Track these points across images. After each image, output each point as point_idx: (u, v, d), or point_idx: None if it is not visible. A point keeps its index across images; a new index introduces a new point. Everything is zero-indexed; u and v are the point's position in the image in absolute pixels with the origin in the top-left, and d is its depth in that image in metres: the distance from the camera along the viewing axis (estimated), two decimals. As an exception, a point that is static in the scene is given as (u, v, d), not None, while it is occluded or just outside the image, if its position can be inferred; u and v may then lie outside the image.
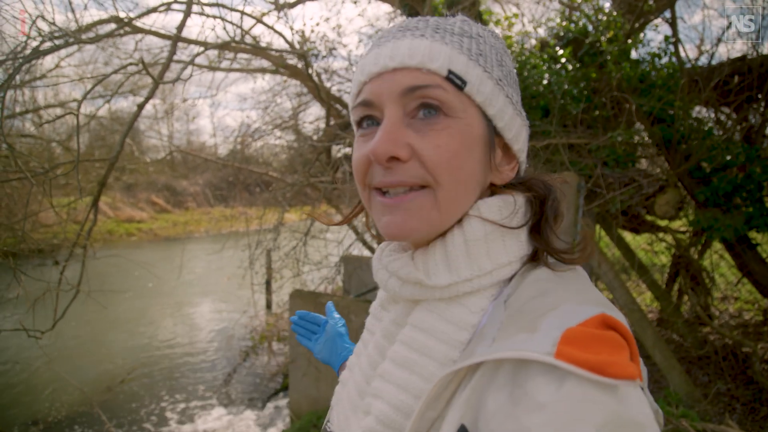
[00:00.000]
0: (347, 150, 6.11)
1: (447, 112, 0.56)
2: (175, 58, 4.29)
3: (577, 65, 4.61)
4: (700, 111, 4.90)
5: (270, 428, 5.31)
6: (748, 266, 4.66)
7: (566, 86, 4.29)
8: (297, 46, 6.24)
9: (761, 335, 5.09)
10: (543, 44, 5.15)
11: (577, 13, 4.98)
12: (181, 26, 4.06)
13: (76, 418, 5.43)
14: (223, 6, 4.50)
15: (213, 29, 9.11)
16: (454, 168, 0.56)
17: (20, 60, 3.91)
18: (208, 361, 7.17)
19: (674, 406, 3.56)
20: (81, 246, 3.93)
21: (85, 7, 4.42)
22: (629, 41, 4.56)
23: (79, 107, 3.44)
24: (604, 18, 4.56)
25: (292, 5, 6.40)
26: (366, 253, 6.86)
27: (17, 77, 3.97)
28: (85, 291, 3.60)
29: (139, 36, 5.44)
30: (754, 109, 4.58)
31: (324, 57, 6.70)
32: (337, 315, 1.13)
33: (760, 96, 4.46)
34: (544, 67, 4.45)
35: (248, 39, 5.34)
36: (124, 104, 24.15)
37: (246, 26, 5.19)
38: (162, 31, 5.43)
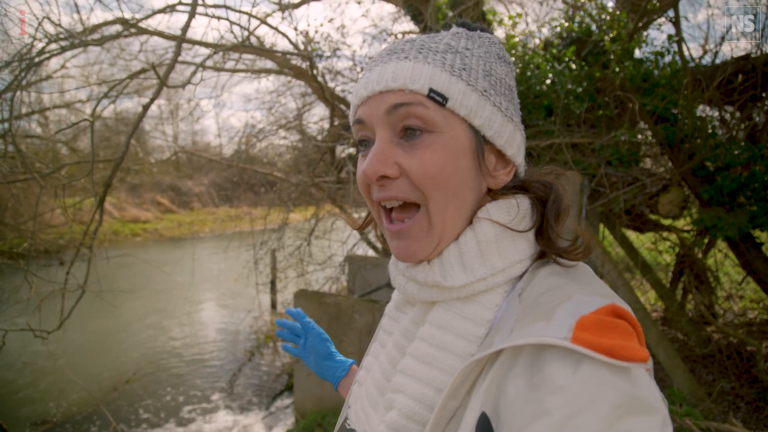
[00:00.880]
0: (351, 150, 6.12)
1: (431, 128, 0.60)
2: (180, 58, 4.32)
3: (581, 64, 4.62)
4: (703, 110, 4.90)
5: (275, 428, 5.32)
6: (752, 265, 4.65)
7: (570, 86, 4.29)
8: (301, 46, 6.26)
9: (765, 334, 5.07)
10: (546, 44, 5.16)
11: (581, 13, 4.97)
12: (186, 27, 4.09)
13: (83, 418, 5.47)
14: (228, 7, 4.52)
15: (218, 30, 9.20)
16: (440, 181, 0.60)
17: (26, 62, 3.95)
18: (213, 361, 7.19)
19: (678, 405, 3.56)
20: (87, 246, 3.97)
21: (91, 9, 4.46)
22: (632, 40, 4.56)
23: (93, 114, 3.47)
24: (608, 17, 4.56)
25: (296, 6, 6.41)
26: (370, 252, 6.87)
27: (23, 79, 4.01)
28: (92, 291, 3.63)
29: (144, 37, 5.47)
30: (758, 108, 4.57)
31: (328, 57, 6.72)
32: (308, 319, 1.11)
33: (764, 94, 4.45)
34: (548, 67, 4.45)
35: (252, 40, 5.36)
36: (129, 105, 24.29)
37: (250, 27, 5.21)
38: (167, 33, 5.46)
